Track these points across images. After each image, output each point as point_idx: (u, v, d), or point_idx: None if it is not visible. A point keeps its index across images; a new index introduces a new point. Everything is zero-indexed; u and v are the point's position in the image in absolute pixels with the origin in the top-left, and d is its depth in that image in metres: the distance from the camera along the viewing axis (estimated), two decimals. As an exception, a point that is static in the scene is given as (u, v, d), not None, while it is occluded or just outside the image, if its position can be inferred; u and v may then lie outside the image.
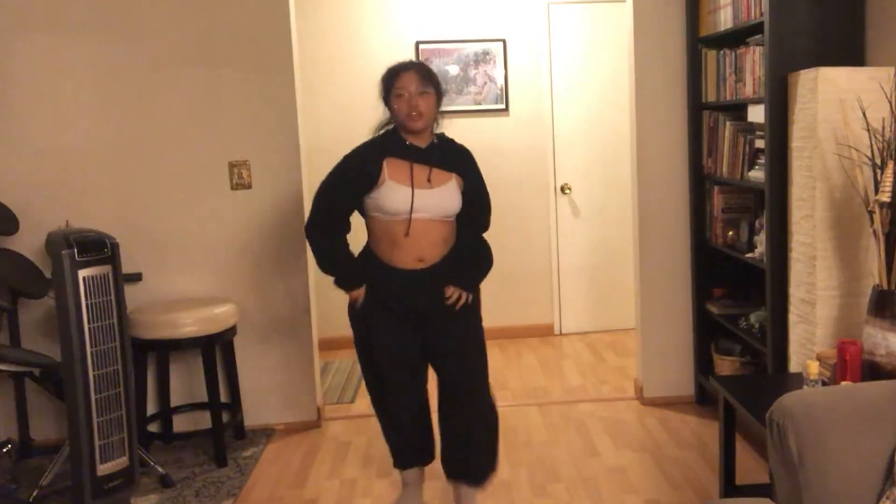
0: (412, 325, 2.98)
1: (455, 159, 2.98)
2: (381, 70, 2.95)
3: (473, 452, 3.05)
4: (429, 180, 2.87)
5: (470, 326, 3.03)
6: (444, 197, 2.89)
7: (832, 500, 1.86)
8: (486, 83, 5.47)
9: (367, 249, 3.01)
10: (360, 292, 2.97)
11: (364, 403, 4.47)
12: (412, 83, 2.86)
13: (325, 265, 2.99)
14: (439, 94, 2.93)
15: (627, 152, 4.43)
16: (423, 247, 2.89)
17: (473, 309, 3.03)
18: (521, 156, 5.55)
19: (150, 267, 3.95)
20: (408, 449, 3.19)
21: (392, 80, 2.89)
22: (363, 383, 4.81)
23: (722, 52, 3.66)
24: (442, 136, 3.01)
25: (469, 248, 3.02)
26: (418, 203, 2.83)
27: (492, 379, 4.74)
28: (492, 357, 5.22)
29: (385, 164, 2.87)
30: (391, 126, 2.98)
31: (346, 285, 2.99)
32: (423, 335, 3.00)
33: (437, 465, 3.21)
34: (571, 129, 5.56)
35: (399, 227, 2.86)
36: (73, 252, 3.02)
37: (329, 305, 4.75)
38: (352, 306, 3.02)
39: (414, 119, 2.85)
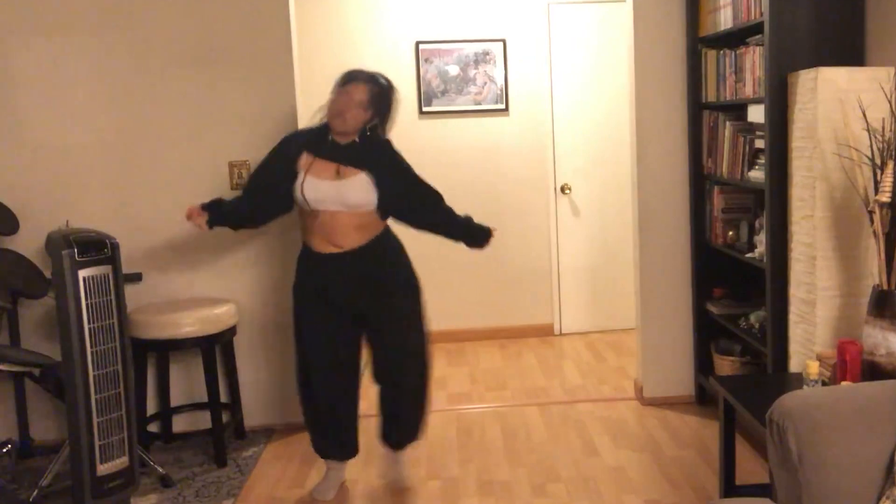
0: (345, 317, 3.18)
1: (369, 156, 3.10)
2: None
3: (405, 426, 3.37)
4: (337, 173, 3.05)
5: (406, 308, 3.25)
6: (346, 190, 3.04)
7: (832, 501, 1.86)
8: (486, 83, 5.47)
9: (303, 244, 3.23)
10: (200, 215, 3.18)
11: (363, 404, 4.46)
12: (359, 94, 2.99)
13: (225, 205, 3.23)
14: (381, 117, 3.11)
15: (627, 152, 4.43)
16: (331, 233, 3.08)
17: (411, 288, 3.25)
18: (521, 156, 5.55)
19: (150, 267, 3.95)
20: (325, 440, 3.34)
21: (346, 81, 3.03)
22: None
23: (722, 52, 3.66)
24: (367, 135, 3.10)
25: (447, 223, 3.27)
26: (320, 194, 3.04)
27: (492, 379, 4.80)
28: (492, 357, 5.28)
29: (303, 156, 3.09)
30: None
31: (210, 207, 3.20)
32: (359, 325, 3.21)
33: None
34: (571, 129, 5.56)
35: (311, 215, 3.10)
36: (73, 252, 3.02)
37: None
38: (296, 285, 3.26)
39: (337, 122, 3.04)
